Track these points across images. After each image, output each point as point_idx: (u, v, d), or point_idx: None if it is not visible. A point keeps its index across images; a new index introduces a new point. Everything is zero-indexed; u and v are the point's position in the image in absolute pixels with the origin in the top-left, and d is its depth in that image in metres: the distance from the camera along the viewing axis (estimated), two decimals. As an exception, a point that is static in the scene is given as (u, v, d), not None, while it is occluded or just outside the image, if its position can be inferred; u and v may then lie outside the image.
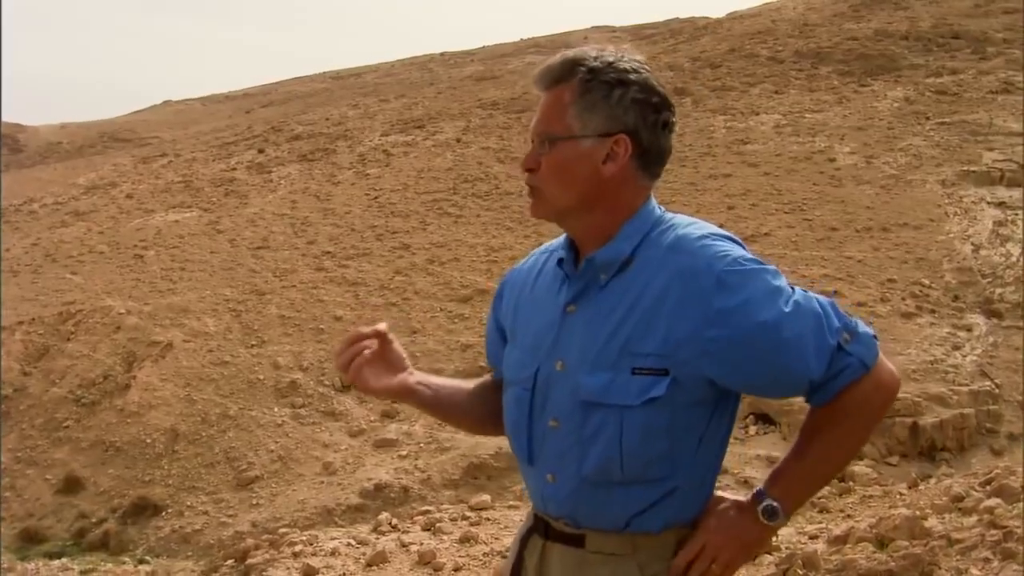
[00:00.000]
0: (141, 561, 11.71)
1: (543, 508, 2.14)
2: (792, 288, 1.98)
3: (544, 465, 2.08)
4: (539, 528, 2.16)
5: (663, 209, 2.09)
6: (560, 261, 2.10)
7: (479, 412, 2.37)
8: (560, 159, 1.99)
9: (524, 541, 2.20)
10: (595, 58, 1.99)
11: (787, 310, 1.90)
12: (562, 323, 2.04)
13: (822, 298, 1.98)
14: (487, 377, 2.44)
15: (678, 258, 1.95)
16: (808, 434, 2.09)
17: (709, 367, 1.93)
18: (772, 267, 1.97)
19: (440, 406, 2.33)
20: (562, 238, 2.15)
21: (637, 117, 1.97)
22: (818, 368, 1.94)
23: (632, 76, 1.96)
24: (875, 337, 2.09)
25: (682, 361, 1.92)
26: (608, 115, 1.96)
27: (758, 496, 2.09)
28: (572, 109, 1.97)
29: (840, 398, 1.99)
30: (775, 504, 2.06)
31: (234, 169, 30.45)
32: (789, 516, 2.10)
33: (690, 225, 2.03)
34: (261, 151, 32.08)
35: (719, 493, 2.12)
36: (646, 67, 2.01)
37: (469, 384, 2.43)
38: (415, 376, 2.30)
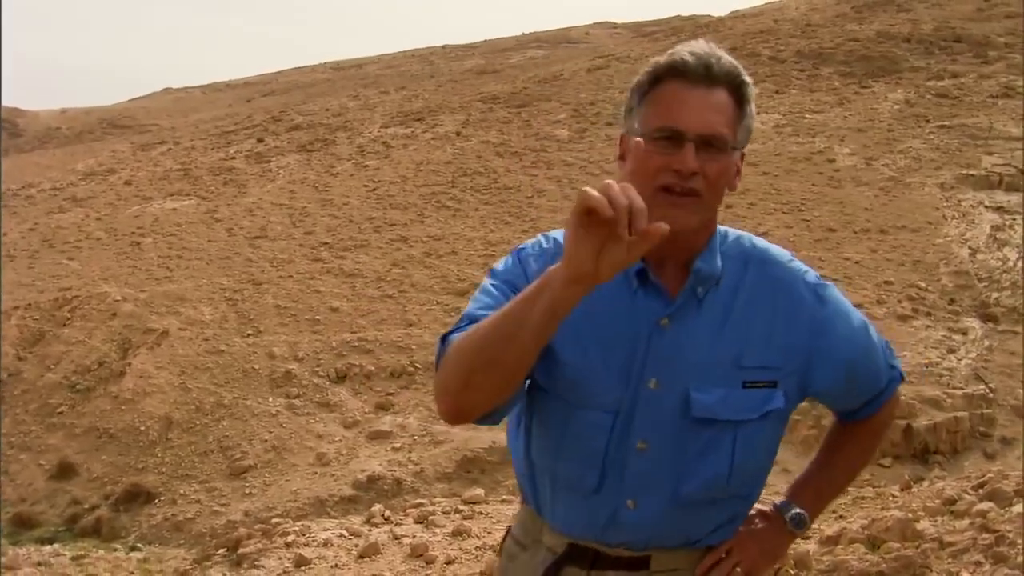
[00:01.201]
0: (133, 548, 11.71)
1: (601, 536, 1.99)
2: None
3: (622, 491, 1.95)
4: (579, 558, 2.01)
5: None
6: (641, 272, 1.92)
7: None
8: (724, 168, 1.91)
9: (553, 573, 2.05)
10: (742, 68, 1.94)
11: (864, 323, 2.08)
12: (652, 339, 1.91)
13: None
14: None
15: (773, 271, 2.00)
16: (838, 445, 2.21)
17: (816, 378, 2.00)
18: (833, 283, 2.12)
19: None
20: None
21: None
22: (886, 376, 2.12)
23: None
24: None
25: (790, 372, 1.96)
26: (748, 130, 1.95)
27: (784, 506, 2.16)
28: (740, 121, 1.92)
29: (880, 412, 2.17)
30: (803, 513, 2.14)
31: (233, 158, 30.42)
32: (810, 525, 2.19)
33: (752, 237, 2.07)
34: (261, 140, 32.04)
35: None
36: None
37: None
38: None
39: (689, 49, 1.89)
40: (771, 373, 1.94)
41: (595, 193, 1.54)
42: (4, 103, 46.74)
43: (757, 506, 2.14)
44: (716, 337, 1.91)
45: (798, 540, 6.70)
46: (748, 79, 1.91)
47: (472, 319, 1.85)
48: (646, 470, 1.93)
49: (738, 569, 2.05)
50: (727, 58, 1.89)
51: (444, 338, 1.84)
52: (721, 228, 2.03)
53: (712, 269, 1.94)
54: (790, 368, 1.95)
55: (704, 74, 1.86)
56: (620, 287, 1.91)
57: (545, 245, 2.01)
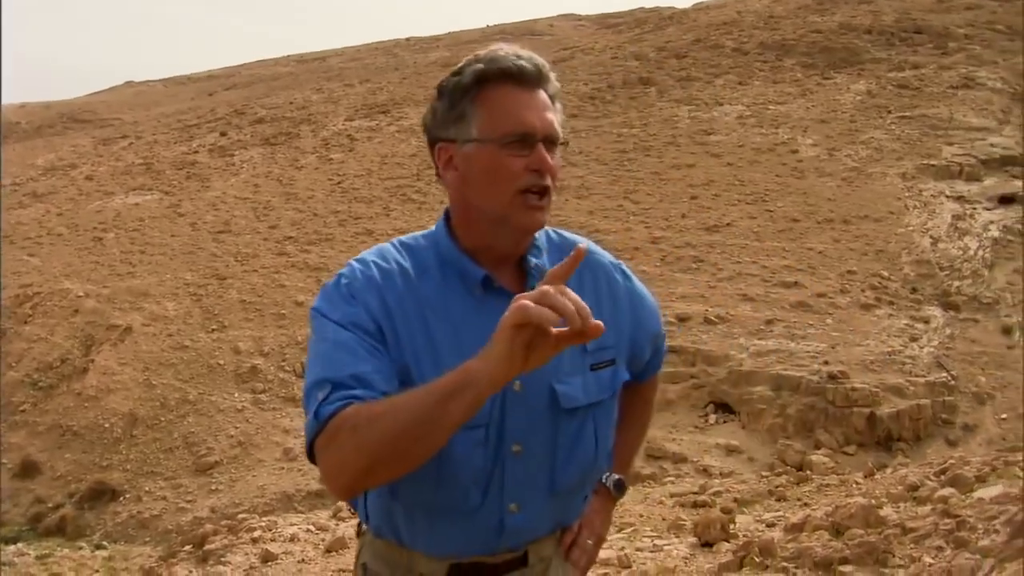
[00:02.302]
0: (98, 546, 11.62)
1: (486, 549, 1.97)
2: None
3: (503, 499, 1.92)
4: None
5: None
6: (486, 279, 1.90)
7: None
8: (558, 164, 1.92)
9: None
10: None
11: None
12: None
13: None
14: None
15: (588, 258, 2.03)
16: (631, 408, 2.26)
17: (639, 346, 2.13)
18: None
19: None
20: (396, 251, 1.99)
21: None
22: (659, 341, 2.26)
23: None
24: None
25: (623, 347, 2.05)
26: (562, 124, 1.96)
27: (603, 477, 2.26)
28: (559, 116, 1.93)
29: (660, 367, 2.33)
30: (622, 478, 2.30)
31: (196, 152, 30.19)
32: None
33: (551, 229, 2.08)
34: (223, 134, 31.83)
35: None
36: None
37: None
38: None
39: (510, 52, 1.91)
40: (609, 352, 2.00)
41: (534, 307, 1.55)
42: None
43: None
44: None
45: (763, 528, 6.76)
46: (552, 74, 1.96)
47: (336, 386, 1.74)
48: (524, 471, 1.92)
49: (589, 541, 2.17)
50: (533, 55, 1.93)
51: (317, 414, 1.72)
52: None
53: (543, 263, 1.96)
54: (622, 344, 2.05)
55: (536, 76, 1.89)
56: (464, 299, 1.90)
57: (368, 272, 1.94)
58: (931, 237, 18.05)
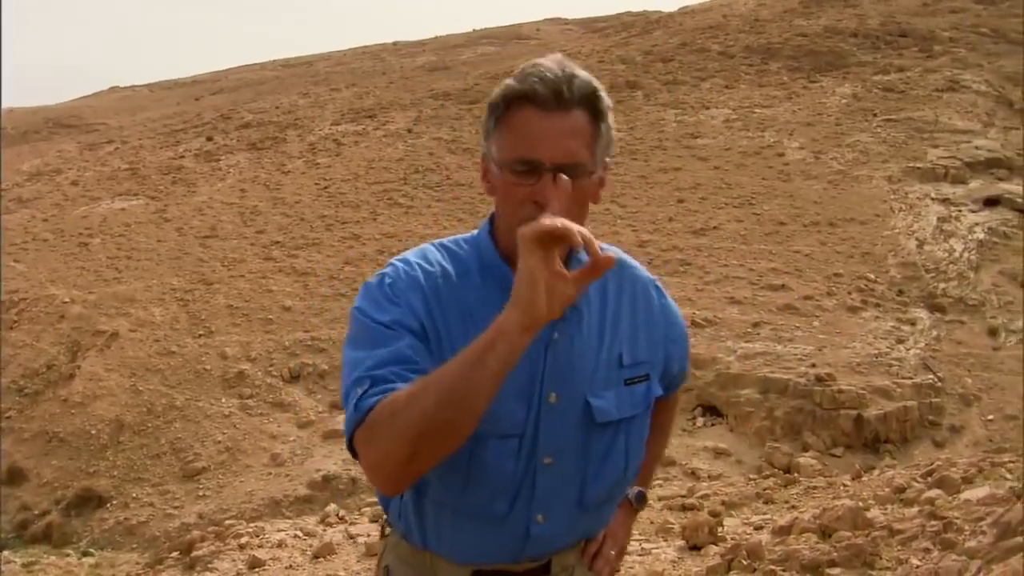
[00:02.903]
0: (85, 553, 11.57)
1: (510, 557, 1.97)
2: None
3: (531, 509, 1.92)
4: None
5: None
6: None
7: None
8: (584, 193, 1.83)
9: None
10: (598, 83, 1.87)
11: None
12: (547, 355, 1.89)
13: None
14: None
15: (625, 273, 2.06)
16: (654, 423, 2.16)
17: (672, 362, 2.12)
18: None
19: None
20: (439, 254, 1.96)
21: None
22: (686, 357, 2.27)
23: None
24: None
25: (657, 363, 2.05)
26: (608, 144, 1.88)
27: None
28: (597, 141, 1.84)
29: (683, 383, 2.31)
30: (643, 490, 2.34)
31: (182, 157, 30.11)
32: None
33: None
34: (210, 139, 31.76)
35: None
36: None
37: None
38: None
39: (542, 71, 1.82)
40: (644, 367, 2.01)
41: (534, 223, 1.57)
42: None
43: None
44: (600, 342, 1.96)
45: (751, 531, 6.77)
46: (603, 93, 1.86)
47: (375, 381, 1.74)
48: (554, 483, 1.92)
49: (612, 552, 2.20)
50: (582, 76, 1.84)
51: (358, 407, 1.72)
52: None
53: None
54: (656, 359, 2.05)
55: (556, 100, 1.80)
56: (503, 304, 1.76)
57: (412, 272, 1.91)
58: (917, 239, 18.12)
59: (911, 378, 13.22)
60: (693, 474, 11.32)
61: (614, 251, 1.93)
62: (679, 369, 2.21)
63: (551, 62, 1.84)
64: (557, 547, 2.02)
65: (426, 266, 1.92)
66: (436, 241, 2.01)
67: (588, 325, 1.95)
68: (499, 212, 1.91)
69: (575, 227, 1.57)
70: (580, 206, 1.82)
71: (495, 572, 1.99)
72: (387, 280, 1.90)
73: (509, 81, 1.86)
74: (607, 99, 1.87)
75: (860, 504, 6.08)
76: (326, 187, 24.12)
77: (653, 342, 2.05)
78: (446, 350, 1.81)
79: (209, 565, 7.94)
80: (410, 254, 1.97)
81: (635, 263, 2.12)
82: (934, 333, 14.90)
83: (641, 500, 2.34)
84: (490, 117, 1.87)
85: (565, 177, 1.73)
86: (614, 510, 2.15)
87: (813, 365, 13.13)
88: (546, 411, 1.89)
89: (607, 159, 1.89)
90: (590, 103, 1.83)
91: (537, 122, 1.80)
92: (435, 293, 1.88)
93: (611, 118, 1.88)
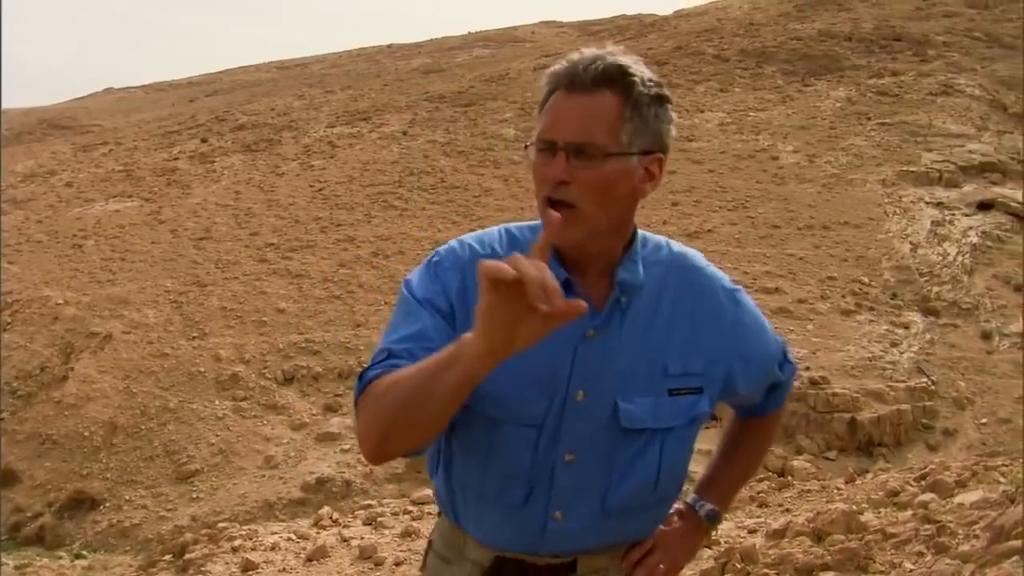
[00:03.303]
0: (78, 556, 11.55)
1: (530, 549, 1.96)
2: None
3: (549, 504, 1.91)
4: (507, 571, 1.99)
5: None
6: (566, 283, 1.83)
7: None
8: (607, 176, 1.79)
9: None
10: (637, 68, 1.82)
11: (767, 324, 2.07)
12: (577, 351, 1.86)
13: None
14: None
15: (693, 278, 1.97)
16: (742, 440, 2.20)
17: (739, 381, 2.00)
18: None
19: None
20: (499, 240, 1.97)
21: (668, 135, 1.87)
22: (787, 370, 2.12)
23: (666, 92, 1.86)
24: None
25: (715, 378, 1.95)
26: (653, 133, 1.83)
27: (697, 503, 2.17)
28: (627, 124, 1.80)
29: (782, 404, 2.18)
30: (716, 509, 2.17)
31: (176, 159, 30.07)
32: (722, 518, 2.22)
33: (671, 243, 2.01)
34: (204, 141, 31.72)
35: None
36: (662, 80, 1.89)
37: None
38: None
39: (574, 56, 1.82)
40: (696, 380, 1.92)
41: (490, 262, 1.51)
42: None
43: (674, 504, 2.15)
44: (641, 346, 1.89)
45: (744, 534, 6.77)
46: (638, 77, 1.81)
47: (391, 354, 1.80)
48: (574, 482, 1.90)
49: (661, 566, 2.06)
50: (615, 59, 1.81)
51: (362, 376, 1.78)
52: (641, 233, 1.97)
53: (635, 278, 1.90)
54: (715, 374, 1.94)
55: (576, 80, 1.79)
56: None
57: (459, 252, 1.94)
58: (911, 243, 18.15)
59: (905, 381, 13.24)
60: (688, 477, 11.33)
61: (691, 255, 1.98)
62: (771, 388, 2.11)
63: (594, 48, 1.84)
64: (578, 547, 1.97)
65: (476, 247, 1.94)
66: (504, 225, 2.03)
67: (632, 327, 1.89)
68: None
69: (533, 277, 1.47)
70: (602, 193, 1.80)
71: (517, 561, 1.98)
72: (435, 259, 1.95)
73: (550, 68, 1.87)
74: (653, 87, 1.83)
75: (854, 508, 6.09)
76: (321, 189, 24.10)
77: (712, 356, 1.94)
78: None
79: (202, 568, 7.92)
80: (470, 235, 1.99)
81: (714, 272, 2.01)
82: (928, 336, 14.93)
83: (713, 519, 2.18)
84: (540, 104, 1.89)
85: (555, 213, 1.71)
86: (654, 520, 2.06)
87: (807, 368, 13.13)
88: (571, 408, 1.87)
89: (653, 150, 1.84)
90: (617, 84, 1.80)
91: (560, 103, 1.82)
92: (474, 274, 1.79)
93: (661, 108, 1.84)
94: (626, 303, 1.89)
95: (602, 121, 1.79)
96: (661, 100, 1.84)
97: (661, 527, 2.10)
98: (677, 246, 2.00)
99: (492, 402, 1.86)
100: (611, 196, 1.82)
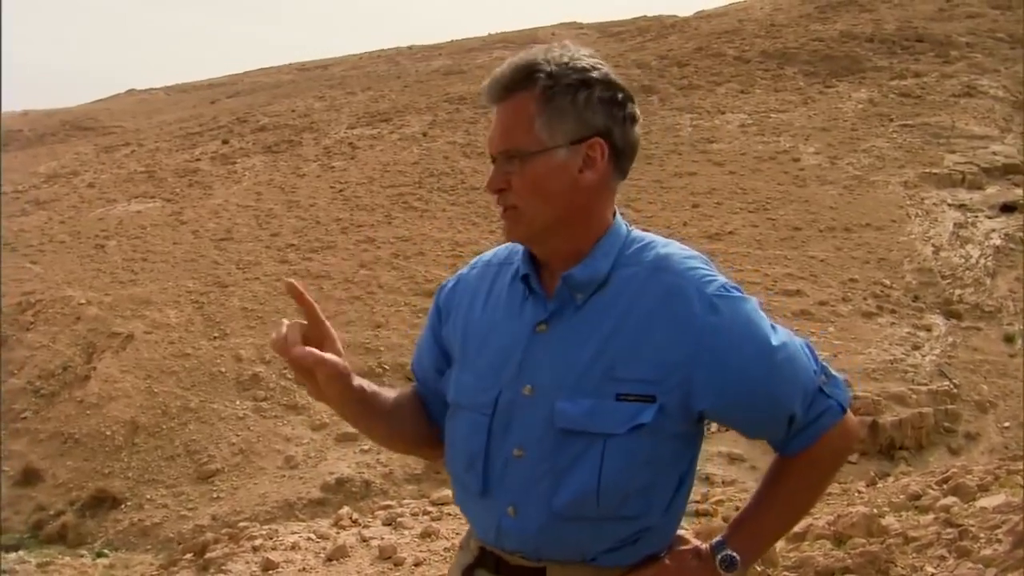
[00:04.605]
0: (99, 554, 11.61)
1: (496, 542, 1.93)
2: (773, 325, 1.87)
3: (503, 497, 1.89)
4: (487, 562, 1.97)
5: (630, 226, 1.95)
6: (525, 277, 1.90)
7: (406, 423, 2.09)
8: (535, 175, 1.81)
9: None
10: (549, 61, 1.81)
11: (775, 343, 1.82)
12: (529, 344, 1.86)
13: (798, 338, 1.90)
14: (409, 387, 2.18)
15: (665, 278, 1.83)
16: (775, 482, 1.97)
17: (700, 395, 1.81)
18: (754, 299, 1.88)
19: (365, 403, 2.02)
20: (505, 249, 2.01)
21: (606, 117, 1.82)
22: (802, 407, 1.86)
23: (594, 74, 1.81)
24: (846, 381, 2.00)
25: (671, 387, 1.79)
26: (577, 120, 1.80)
27: (718, 546, 1.94)
28: (539, 119, 1.80)
29: (815, 445, 1.91)
30: (735, 556, 1.91)
31: (198, 160, 30.22)
32: (747, 568, 1.96)
33: (668, 245, 1.90)
34: (226, 142, 31.86)
35: (681, 533, 1.99)
36: (601, 62, 1.86)
37: (393, 392, 2.14)
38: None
39: (500, 67, 1.87)
40: (648, 387, 1.79)
41: (273, 332, 1.95)
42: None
43: (695, 542, 1.98)
44: (597, 346, 1.82)
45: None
46: (548, 69, 1.80)
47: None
48: (523, 478, 1.86)
49: None
50: (525, 59, 1.83)
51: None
52: (636, 233, 1.92)
53: (589, 275, 1.85)
54: (672, 383, 1.79)
55: (495, 90, 1.85)
56: (516, 291, 1.93)
57: (463, 271, 2.11)
58: (933, 245, 18.05)
59: (927, 384, 13.17)
60: (707, 479, 11.29)
61: (676, 258, 1.87)
62: (763, 413, 1.86)
63: (524, 51, 1.87)
64: (536, 549, 1.89)
65: (487, 257, 2.08)
66: None
67: (587, 325, 1.84)
68: None
69: (271, 340, 1.94)
70: (535, 191, 1.82)
71: (494, 556, 1.97)
72: (451, 276, 2.15)
73: None
74: (572, 74, 1.81)
75: (875, 511, 6.06)
76: (341, 190, 24.17)
77: (669, 363, 1.78)
78: (451, 329, 2.04)
79: (223, 567, 7.95)
80: (485, 254, 2.12)
81: (696, 276, 1.84)
82: (950, 339, 14.84)
83: (730, 566, 1.90)
84: None
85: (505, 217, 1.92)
86: (612, 537, 1.87)
87: (828, 371, 13.06)
88: (520, 402, 1.86)
89: (585, 136, 1.82)
90: (528, 83, 1.82)
91: (494, 117, 1.89)
92: (471, 281, 2.06)
93: (587, 91, 1.82)
94: (582, 300, 1.86)
95: (518, 123, 1.82)
96: (586, 84, 1.82)
97: (666, 560, 1.93)
98: (669, 248, 1.90)
99: (456, 387, 2.00)
100: (547, 192, 1.83)
